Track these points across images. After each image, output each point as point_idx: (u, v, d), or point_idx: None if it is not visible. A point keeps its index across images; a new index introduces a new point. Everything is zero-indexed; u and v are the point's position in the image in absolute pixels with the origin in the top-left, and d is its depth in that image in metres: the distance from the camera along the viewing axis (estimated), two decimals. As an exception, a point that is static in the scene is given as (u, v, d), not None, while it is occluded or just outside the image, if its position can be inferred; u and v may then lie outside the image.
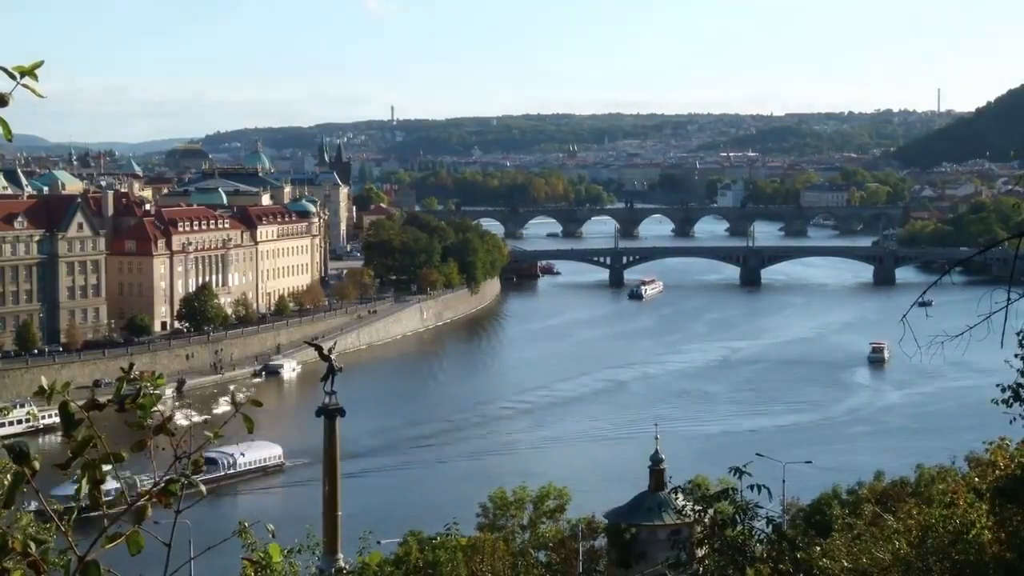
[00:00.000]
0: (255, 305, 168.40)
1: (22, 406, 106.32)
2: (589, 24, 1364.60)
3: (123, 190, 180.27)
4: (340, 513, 44.32)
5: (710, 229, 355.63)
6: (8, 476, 4.89)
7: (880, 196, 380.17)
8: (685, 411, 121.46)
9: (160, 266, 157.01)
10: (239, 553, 8.72)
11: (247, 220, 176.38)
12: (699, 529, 15.37)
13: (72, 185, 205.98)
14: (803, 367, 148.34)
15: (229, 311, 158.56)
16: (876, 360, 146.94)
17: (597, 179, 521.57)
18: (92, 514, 5.15)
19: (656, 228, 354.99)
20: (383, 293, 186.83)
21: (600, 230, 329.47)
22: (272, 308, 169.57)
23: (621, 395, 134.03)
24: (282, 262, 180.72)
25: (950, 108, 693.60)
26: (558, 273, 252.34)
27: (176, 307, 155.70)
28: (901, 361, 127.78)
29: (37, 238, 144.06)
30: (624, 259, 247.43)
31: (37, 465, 4.86)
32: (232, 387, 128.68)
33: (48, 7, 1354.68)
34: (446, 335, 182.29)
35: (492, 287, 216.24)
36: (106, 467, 4.99)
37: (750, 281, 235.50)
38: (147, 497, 4.99)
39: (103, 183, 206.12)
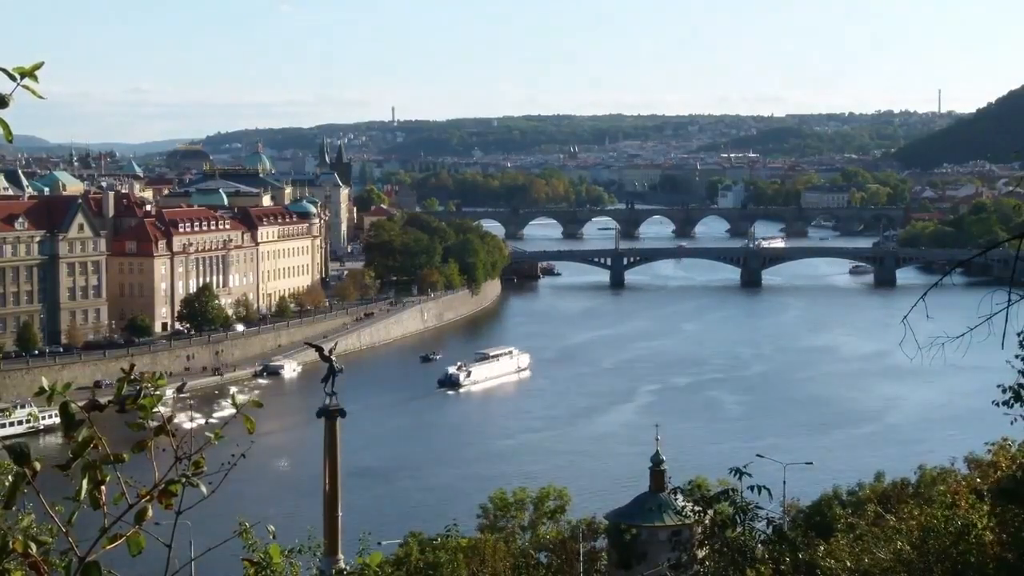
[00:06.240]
0: (256, 306, 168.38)
1: (23, 407, 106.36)
2: (590, 25, 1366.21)
3: (124, 191, 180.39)
4: (340, 514, 44.34)
5: (711, 230, 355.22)
6: (9, 477, 4.89)
7: (881, 197, 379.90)
8: (686, 411, 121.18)
9: (161, 267, 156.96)
10: (240, 554, 8.71)
11: (248, 221, 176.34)
12: (699, 530, 15.37)
13: (73, 186, 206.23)
14: (803, 367, 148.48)
15: (230, 312, 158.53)
16: (859, 272, 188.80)
17: (598, 180, 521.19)
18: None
19: (657, 229, 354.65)
20: (384, 294, 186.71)
21: (601, 231, 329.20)
22: (273, 309, 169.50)
23: (621, 394, 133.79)
24: (283, 263, 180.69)
25: (951, 109, 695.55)
26: (559, 274, 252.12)
27: (177, 308, 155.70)
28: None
29: (38, 239, 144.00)
30: (625, 260, 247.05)
31: (38, 466, 4.86)
32: (233, 388, 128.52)
33: (60, 12, 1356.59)
34: (447, 335, 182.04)
35: (493, 288, 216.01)
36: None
37: (751, 282, 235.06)
38: (147, 498, 4.99)
39: (104, 184, 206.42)
